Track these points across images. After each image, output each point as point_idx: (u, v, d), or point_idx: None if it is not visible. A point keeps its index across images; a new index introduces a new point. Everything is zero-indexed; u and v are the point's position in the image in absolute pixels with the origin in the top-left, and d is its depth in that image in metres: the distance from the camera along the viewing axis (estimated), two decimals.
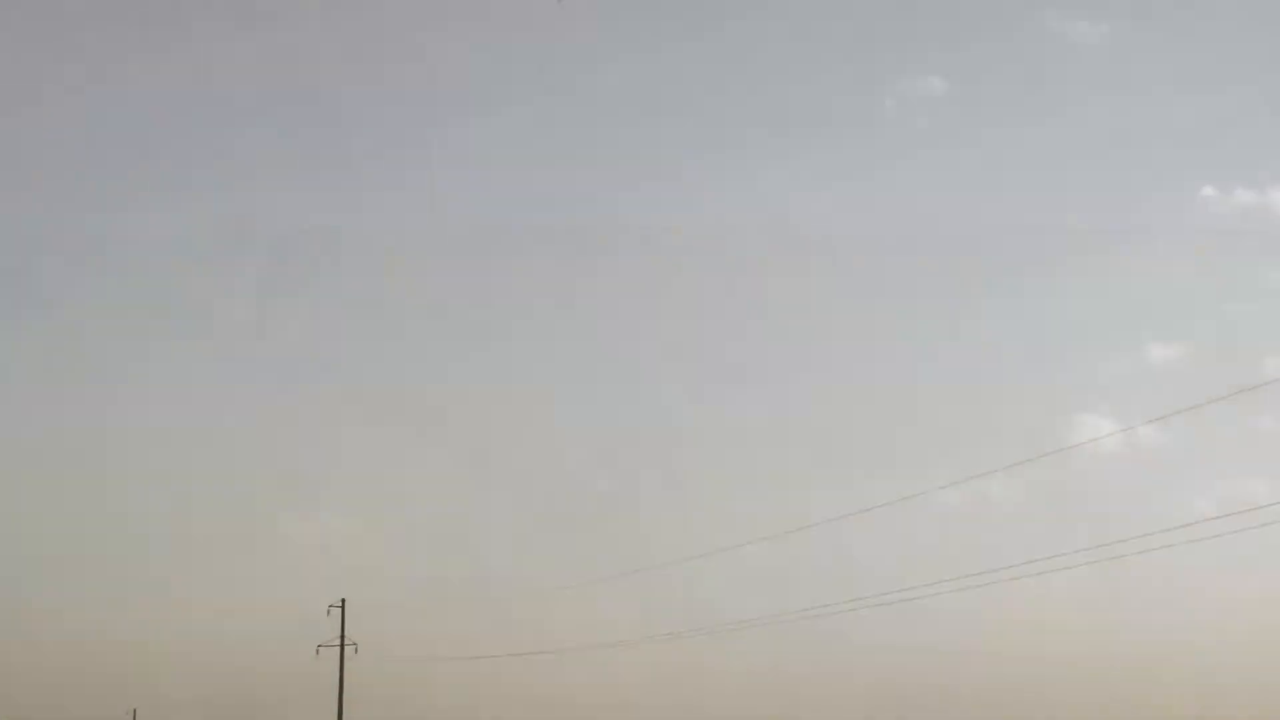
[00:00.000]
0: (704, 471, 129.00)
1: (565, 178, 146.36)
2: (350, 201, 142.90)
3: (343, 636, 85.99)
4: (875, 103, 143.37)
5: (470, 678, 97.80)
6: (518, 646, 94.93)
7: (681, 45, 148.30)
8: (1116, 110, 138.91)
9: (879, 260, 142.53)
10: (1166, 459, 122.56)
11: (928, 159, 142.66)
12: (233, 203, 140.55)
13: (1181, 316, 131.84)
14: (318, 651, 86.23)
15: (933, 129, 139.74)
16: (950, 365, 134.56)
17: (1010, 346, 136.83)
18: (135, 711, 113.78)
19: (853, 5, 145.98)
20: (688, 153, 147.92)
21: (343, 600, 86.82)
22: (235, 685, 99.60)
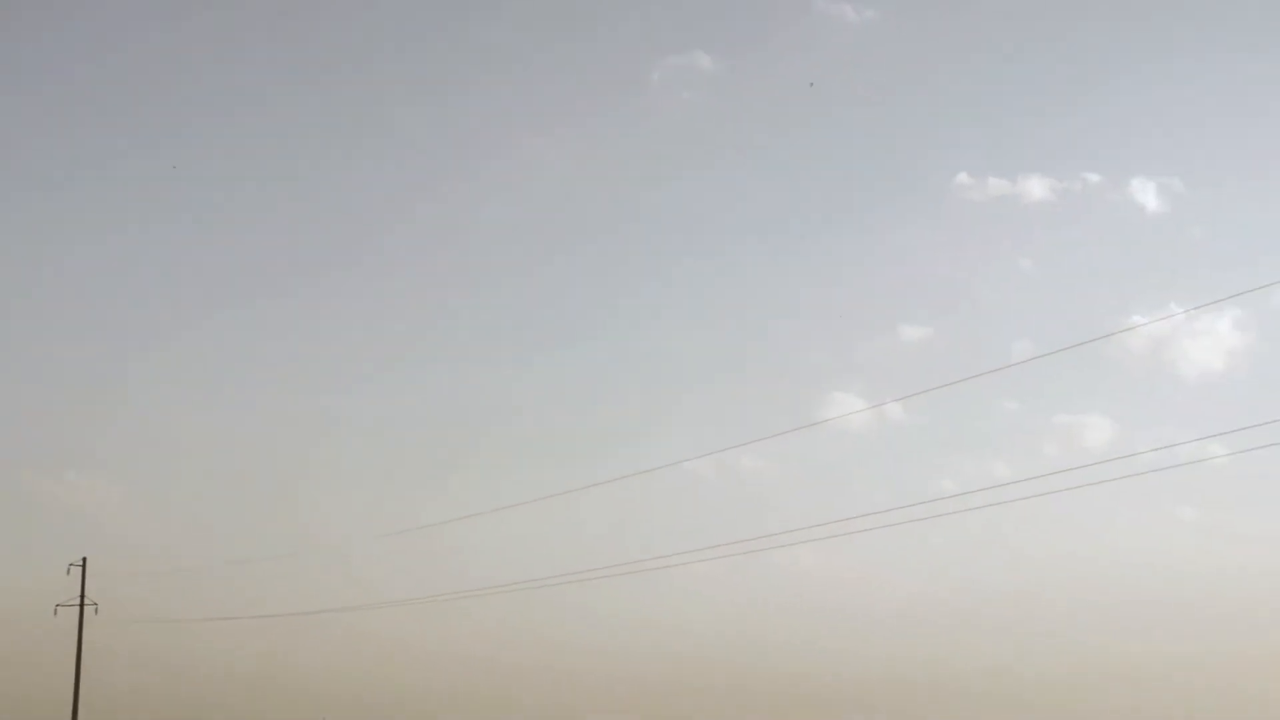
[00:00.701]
0: (466, 443, 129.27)
1: None
2: None
3: (82, 596, 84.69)
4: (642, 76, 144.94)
5: (212, 640, 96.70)
6: (264, 609, 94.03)
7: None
8: (878, 91, 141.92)
9: (624, 230, 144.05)
10: (914, 437, 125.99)
11: (691, 135, 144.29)
12: None
13: (933, 299, 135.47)
14: (56, 611, 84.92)
15: (697, 103, 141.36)
16: (707, 339, 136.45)
17: (766, 323, 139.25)
18: None
19: None
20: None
21: (83, 559, 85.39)
22: None
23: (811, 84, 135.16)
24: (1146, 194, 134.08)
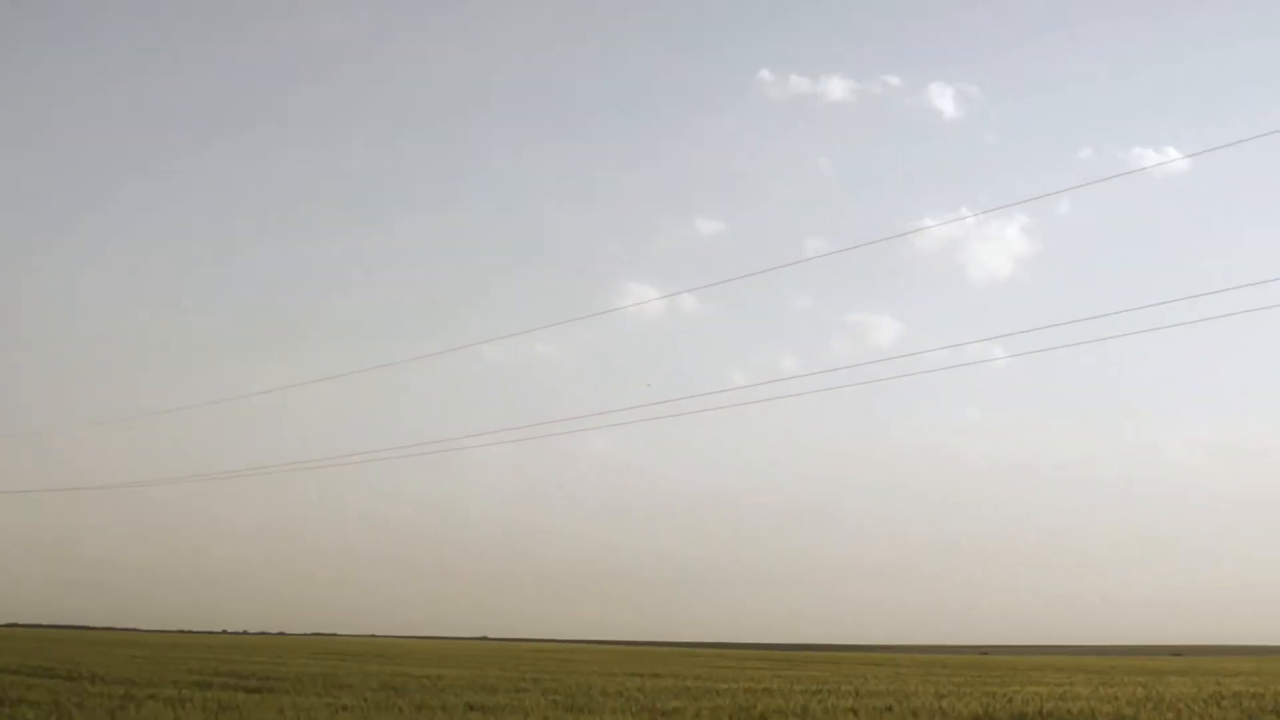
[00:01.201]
0: (272, 321, 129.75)
1: None
2: None
3: None
4: None
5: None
6: (79, 479, 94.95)
7: None
8: None
9: (431, 114, 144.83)
10: (706, 329, 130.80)
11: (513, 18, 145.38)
12: None
13: (729, 194, 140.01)
14: None
15: None
16: (505, 228, 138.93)
17: (562, 212, 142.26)
18: None
19: None
20: None
21: None
22: None
23: None
24: (944, 99, 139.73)
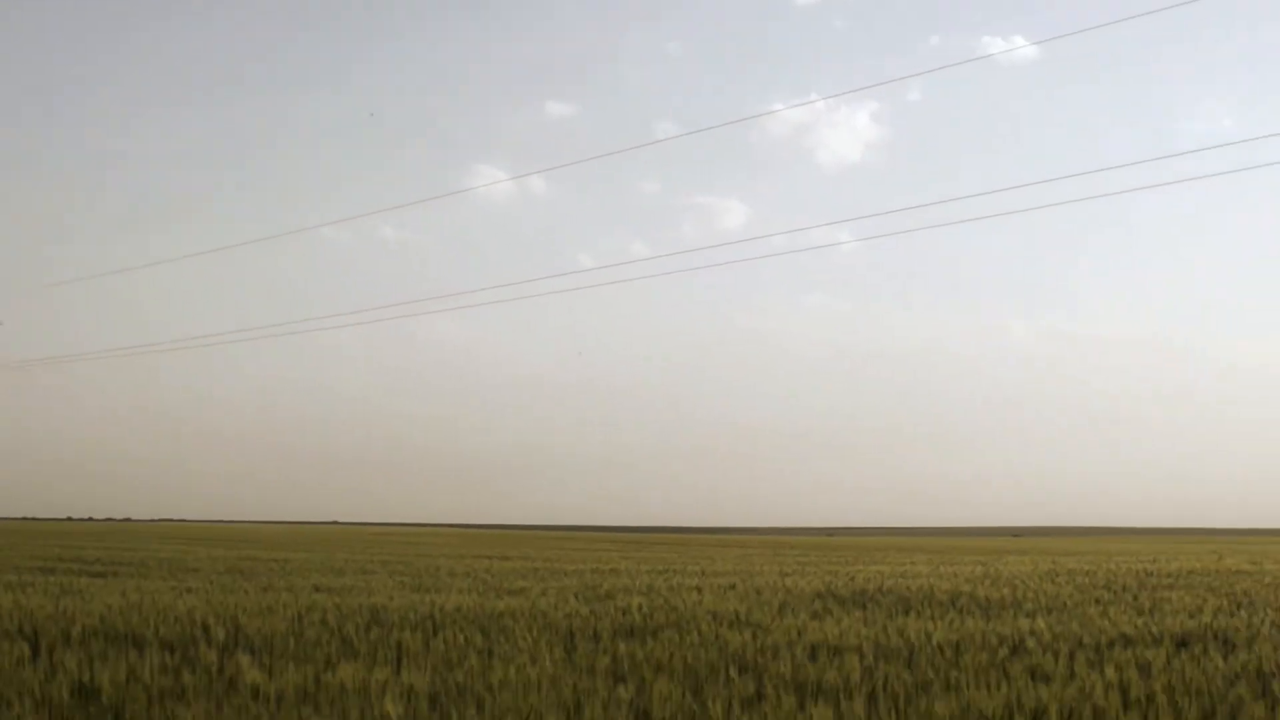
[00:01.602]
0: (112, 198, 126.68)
1: None
2: None
3: None
4: None
5: None
6: None
7: None
8: None
9: None
10: (555, 212, 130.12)
11: None
12: None
13: (579, 77, 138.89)
14: None
15: None
16: (352, 110, 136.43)
17: (412, 95, 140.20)
18: None
19: None
20: None
21: None
22: None
23: None
24: None
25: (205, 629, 15.49)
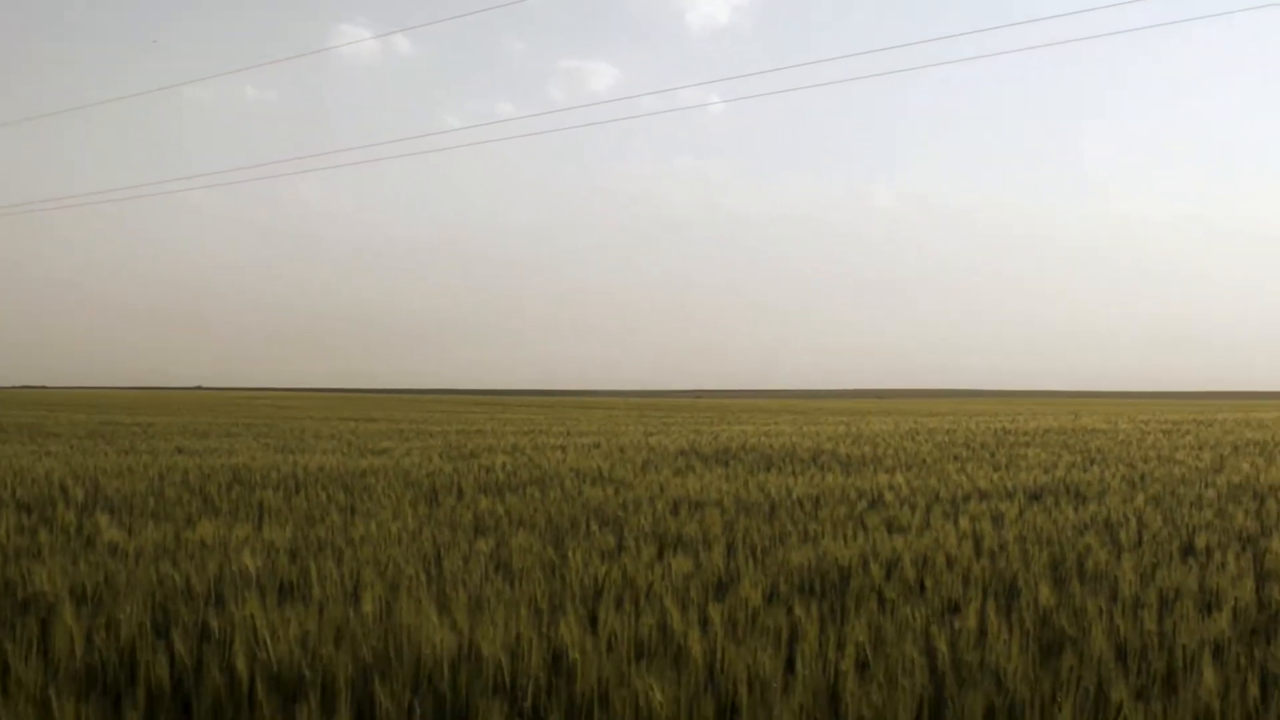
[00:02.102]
0: None
1: None
2: None
3: None
4: None
5: None
6: None
7: None
8: None
9: None
10: (420, 72, 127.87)
11: None
12: None
13: None
14: None
15: None
16: None
17: None
18: None
19: None
20: None
21: None
22: None
23: None
24: None
25: (64, 490, 15.32)
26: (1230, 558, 9.35)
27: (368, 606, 7.03)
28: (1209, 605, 8.04)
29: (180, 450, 25.57)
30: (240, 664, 5.88)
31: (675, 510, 13.24)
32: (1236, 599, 7.81)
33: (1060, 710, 4.67)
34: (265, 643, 6.13)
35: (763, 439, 27.24)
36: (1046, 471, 18.45)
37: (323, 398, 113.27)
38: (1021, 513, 12.77)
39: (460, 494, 15.28)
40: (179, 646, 6.23)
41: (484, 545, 9.89)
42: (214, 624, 6.64)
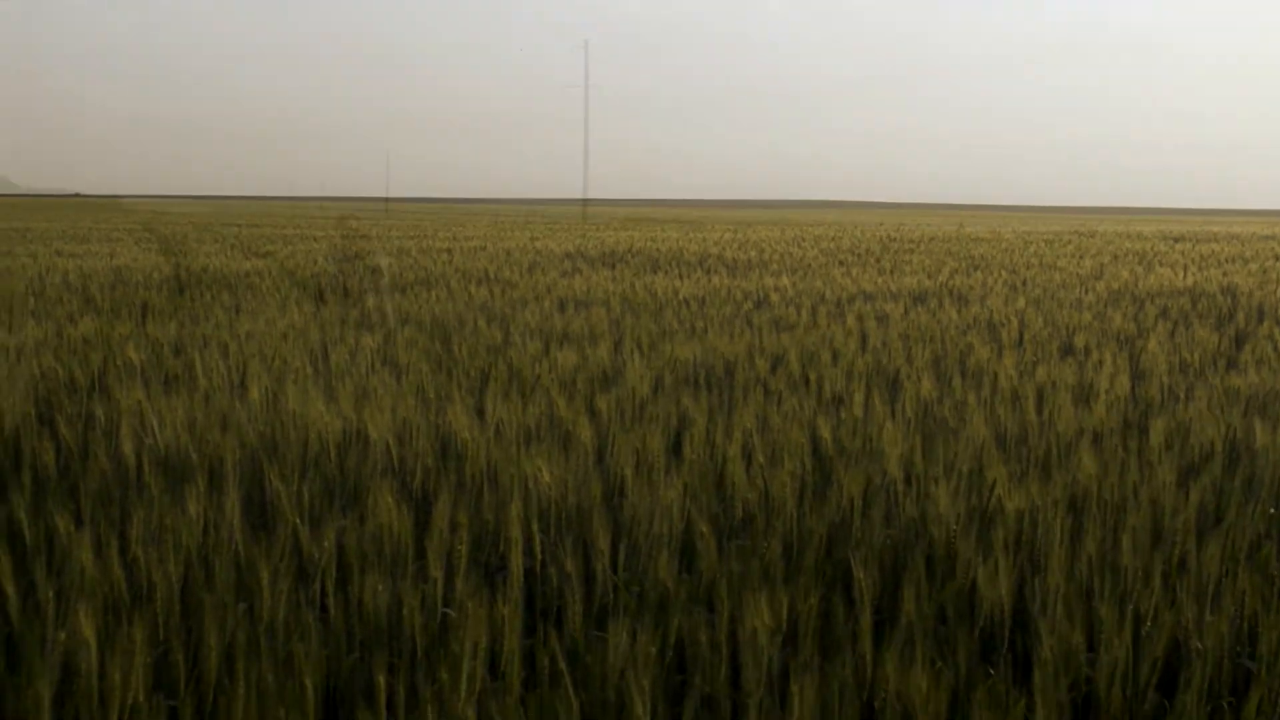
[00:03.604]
0: None
1: None
2: None
3: None
4: None
5: None
6: None
7: None
8: None
9: None
10: None
11: None
12: None
13: None
14: None
15: None
16: None
17: None
18: None
19: None
20: None
21: None
22: None
23: None
24: None
25: None
26: (1108, 356, 9.53)
27: (254, 395, 7.02)
28: (1087, 399, 8.22)
29: (60, 253, 25.19)
30: (127, 449, 5.86)
31: (562, 308, 13.27)
32: (1113, 393, 7.98)
33: (937, 487, 4.77)
34: (152, 429, 6.11)
35: (649, 244, 27.29)
36: (930, 276, 18.64)
37: (208, 204, 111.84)
38: (906, 313, 12.92)
39: (347, 293, 15.21)
40: (64, 432, 6.20)
41: (370, 341, 9.86)
42: (99, 413, 6.60)
